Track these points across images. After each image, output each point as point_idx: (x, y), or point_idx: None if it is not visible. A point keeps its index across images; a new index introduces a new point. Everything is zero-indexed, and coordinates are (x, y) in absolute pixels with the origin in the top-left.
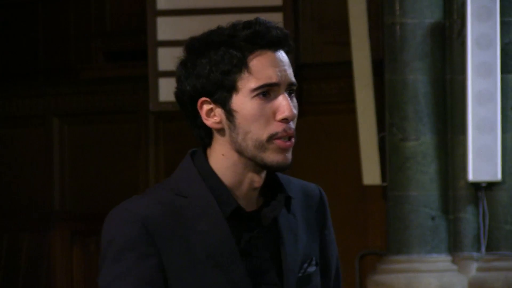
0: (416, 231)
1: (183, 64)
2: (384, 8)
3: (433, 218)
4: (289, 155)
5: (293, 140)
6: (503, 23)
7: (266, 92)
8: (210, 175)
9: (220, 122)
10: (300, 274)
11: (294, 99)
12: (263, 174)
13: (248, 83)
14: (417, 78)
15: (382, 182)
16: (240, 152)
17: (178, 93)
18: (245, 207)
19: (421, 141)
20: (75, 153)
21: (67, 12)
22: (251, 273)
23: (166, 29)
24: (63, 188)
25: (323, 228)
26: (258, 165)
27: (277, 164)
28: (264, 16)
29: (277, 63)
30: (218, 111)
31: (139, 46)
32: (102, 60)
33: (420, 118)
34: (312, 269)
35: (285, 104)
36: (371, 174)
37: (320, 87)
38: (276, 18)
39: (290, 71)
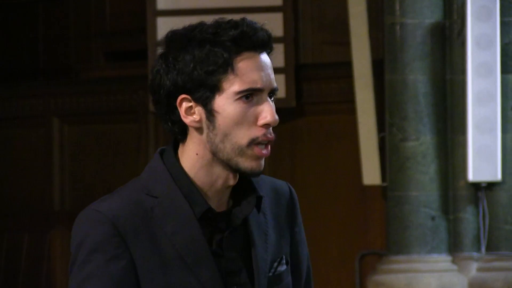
0: (416, 231)
1: (163, 57)
2: (384, 8)
3: (433, 218)
4: (262, 162)
5: (269, 148)
6: (503, 23)
7: (249, 95)
8: (180, 175)
9: (199, 121)
10: (270, 274)
11: (273, 104)
12: (237, 173)
13: (232, 85)
14: (417, 78)
15: (382, 182)
16: (215, 153)
17: (155, 87)
18: (216, 208)
19: (421, 141)
20: (75, 153)
21: (67, 12)
22: (222, 274)
23: (166, 29)
24: (63, 188)
25: (293, 226)
26: (230, 168)
27: (251, 170)
28: (264, 16)
29: (262, 66)
30: (199, 110)
31: (139, 46)
32: (102, 60)
33: (420, 118)
34: (282, 268)
35: (267, 110)
36: (371, 174)
37: (320, 87)
38: (276, 18)
39: (273, 76)
